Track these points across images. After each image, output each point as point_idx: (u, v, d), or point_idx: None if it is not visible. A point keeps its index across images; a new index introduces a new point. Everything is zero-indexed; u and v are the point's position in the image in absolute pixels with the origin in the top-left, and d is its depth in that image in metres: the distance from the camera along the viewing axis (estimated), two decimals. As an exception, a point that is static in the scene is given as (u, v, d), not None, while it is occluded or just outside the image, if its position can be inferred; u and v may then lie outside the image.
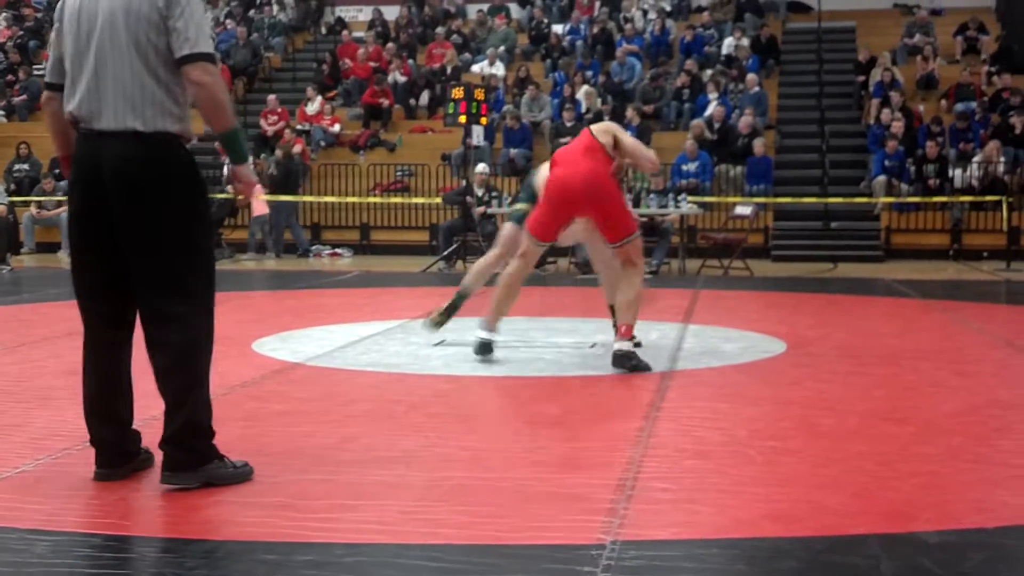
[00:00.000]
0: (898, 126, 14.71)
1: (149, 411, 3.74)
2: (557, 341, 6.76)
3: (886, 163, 14.38)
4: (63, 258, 14.64)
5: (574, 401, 4.89)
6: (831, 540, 2.93)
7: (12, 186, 15.72)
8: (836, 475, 3.57)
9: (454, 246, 12.81)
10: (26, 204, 15.60)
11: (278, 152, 15.64)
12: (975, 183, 14.23)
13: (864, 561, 2.75)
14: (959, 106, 15.58)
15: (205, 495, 3.30)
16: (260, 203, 3.53)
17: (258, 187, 3.62)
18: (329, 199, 15.67)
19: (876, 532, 2.97)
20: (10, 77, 20.22)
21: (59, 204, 15.60)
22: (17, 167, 16.15)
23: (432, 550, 2.82)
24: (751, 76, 16.42)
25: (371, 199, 15.64)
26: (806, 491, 3.39)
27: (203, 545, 2.85)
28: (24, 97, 19.35)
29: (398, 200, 15.58)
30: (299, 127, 17.16)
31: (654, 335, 6.96)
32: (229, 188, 15.55)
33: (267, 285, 11.00)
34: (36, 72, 20.47)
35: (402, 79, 18.00)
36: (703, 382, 5.40)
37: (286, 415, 4.52)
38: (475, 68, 18.02)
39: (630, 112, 15.72)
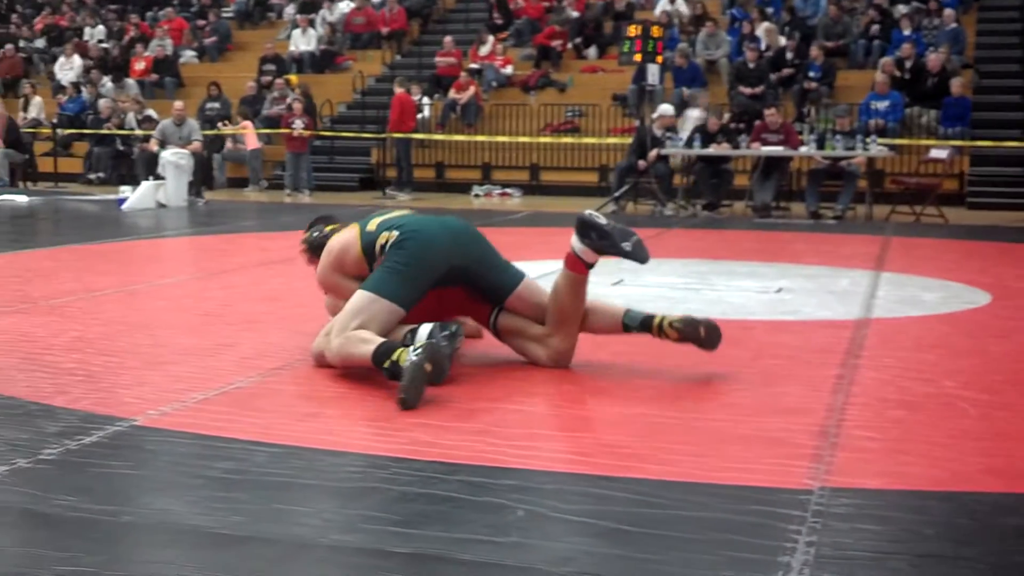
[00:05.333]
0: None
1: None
2: (739, 284, 6.59)
3: (1095, 106, 13.41)
4: (251, 192, 15.20)
5: (763, 345, 4.75)
6: (1060, 499, 2.75)
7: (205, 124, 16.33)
8: (1059, 432, 3.35)
9: (625, 187, 12.66)
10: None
11: (297, 90, 15.81)
12: None
13: (1100, 522, 2.56)
14: None
15: (406, 417, 3.35)
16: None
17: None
18: (500, 139, 15.71)
19: (1112, 494, 2.77)
20: (200, 21, 20.96)
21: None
22: (209, 106, 16.73)
23: (633, 483, 2.77)
24: (948, 11, 15.54)
25: (541, 139, 15.60)
26: (1027, 447, 3.18)
27: (412, 464, 2.89)
28: (214, 39, 20.03)
29: (568, 140, 15.49)
30: (472, 67, 17.22)
31: (844, 282, 6.71)
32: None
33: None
34: (224, 15, 21.16)
35: (574, 15, 17.81)
36: (903, 331, 5.16)
37: (469, 347, 4.52)
38: (659, 5, 17.62)
39: (814, 50, 15.15)
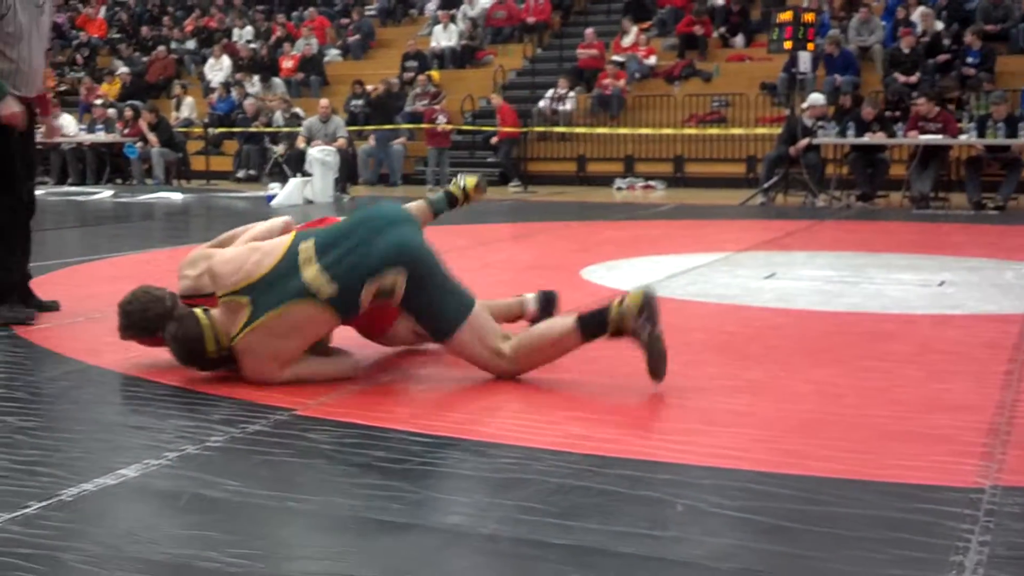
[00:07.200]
0: None
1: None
2: (899, 277, 6.37)
3: None
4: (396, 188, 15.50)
5: (927, 340, 4.57)
6: None
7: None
8: None
9: (775, 178, 12.40)
10: (362, 138, 16.51)
11: (380, 86, 15.98)
12: None
13: None
14: None
15: (558, 410, 3.34)
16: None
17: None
18: (643, 131, 15.58)
19: None
20: (344, 19, 21.43)
21: (396, 136, 16.38)
22: (353, 103, 17.10)
23: (795, 480, 2.70)
24: (1115, -8, 14.74)
25: (686, 130, 15.41)
26: None
27: (567, 456, 2.88)
28: (358, 36, 20.45)
29: (714, 131, 15.26)
30: (615, 59, 17.13)
31: (1009, 275, 6.43)
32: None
33: (581, 216, 11.10)
34: (367, 13, 21.58)
35: (719, 3, 17.53)
36: (1075, 326, 4.90)
37: (622, 341, 4.49)
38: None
39: (969, 36, 14.53)
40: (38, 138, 5.51)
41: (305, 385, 3.63)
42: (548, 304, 4.23)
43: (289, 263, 3.57)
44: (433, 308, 3.59)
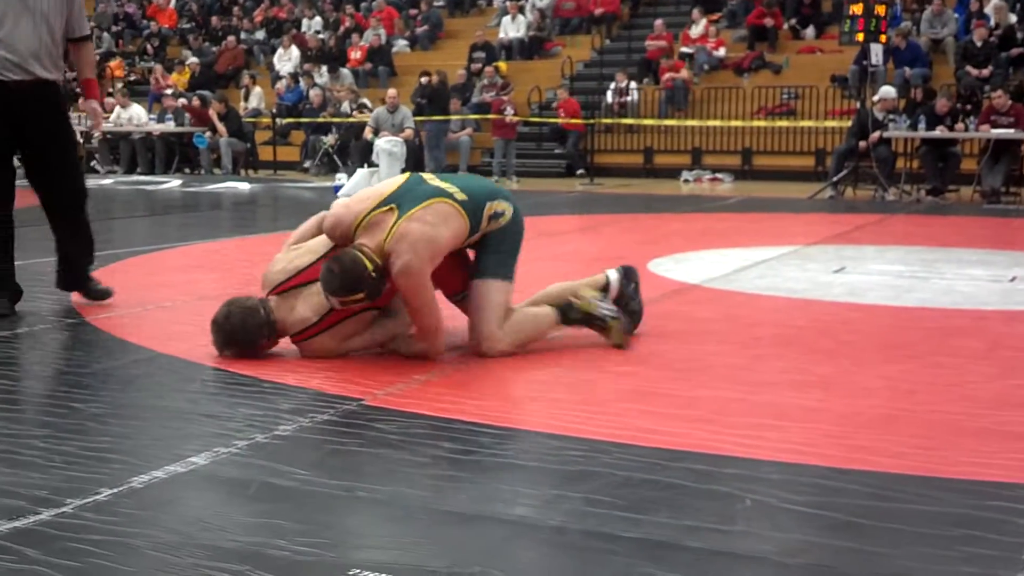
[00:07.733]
0: None
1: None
2: (970, 273, 6.25)
3: None
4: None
5: (999, 336, 4.49)
6: None
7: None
8: None
9: (845, 171, 12.22)
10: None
11: (434, 77, 16.05)
12: None
13: None
14: None
15: (625, 403, 3.34)
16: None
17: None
18: (711, 123, 15.45)
19: None
20: (412, 10, 21.52)
21: (463, 127, 16.41)
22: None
23: (865, 476, 2.67)
24: None
25: (755, 123, 15.25)
26: None
27: (634, 450, 2.88)
28: (426, 27, 20.52)
29: (783, 124, 15.08)
30: (683, 50, 17.00)
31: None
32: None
33: (648, 208, 11.04)
34: (436, 3, 21.64)
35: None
36: None
37: (689, 334, 4.47)
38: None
39: (1047, 27, 14.19)
40: (77, 125, 5.47)
41: (388, 362, 3.72)
42: (629, 277, 4.37)
43: (416, 180, 3.99)
44: (504, 253, 3.99)
